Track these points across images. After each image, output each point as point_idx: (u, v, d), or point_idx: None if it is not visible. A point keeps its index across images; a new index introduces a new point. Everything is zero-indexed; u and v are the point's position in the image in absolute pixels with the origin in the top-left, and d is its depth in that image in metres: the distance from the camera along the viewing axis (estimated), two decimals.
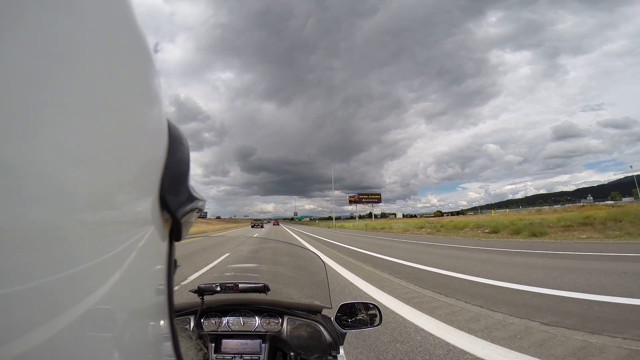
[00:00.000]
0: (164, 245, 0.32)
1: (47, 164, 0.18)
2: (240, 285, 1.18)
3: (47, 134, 0.18)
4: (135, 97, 0.28)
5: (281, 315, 1.17)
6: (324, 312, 1.25)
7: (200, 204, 0.36)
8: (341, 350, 1.14)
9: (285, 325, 1.14)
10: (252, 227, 54.39)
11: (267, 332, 1.12)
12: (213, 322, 1.14)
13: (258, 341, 1.10)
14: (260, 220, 70.78)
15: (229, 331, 1.13)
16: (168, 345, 0.35)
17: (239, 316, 1.17)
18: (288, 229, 38.74)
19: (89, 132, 0.21)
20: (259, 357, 1.07)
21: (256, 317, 1.16)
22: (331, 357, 1.06)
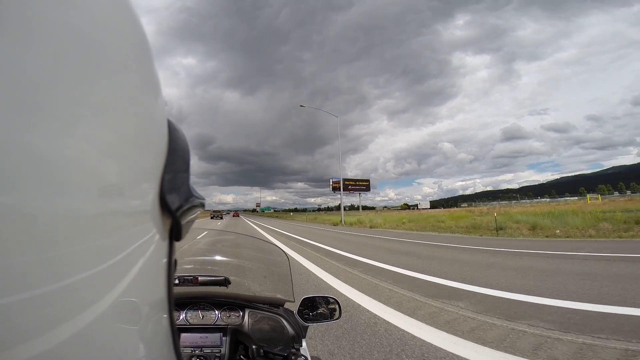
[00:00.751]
0: (164, 245, 0.31)
1: (45, 163, 0.18)
2: (199, 278, 1.14)
3: (45, 133, 0.18)
4: (136, 96, 0.28)
5: (242, 308, 1.16)
6: (287, 305, 1.25)
7: (200, 203, 0.36)
8: (304, 343, 1.15)
9: (246, 319, 1.13)
10: (212, 218, 56.35)
11: (227, 325, 1.11)
12: None
13: (218, 334, 1.09)
14: (219, 211, 71.61)
15: (187, 325, 1.10)
16: (168, 344, 0.34)
17: (197, 310, 1.14)
18: (254, 225, 29.46)
19: (88, 132, 0.21)
20: (220, 350, 1.06)
21: (216, 311, 1.14)
22: (294, 350, 1.07)
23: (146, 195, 0.28)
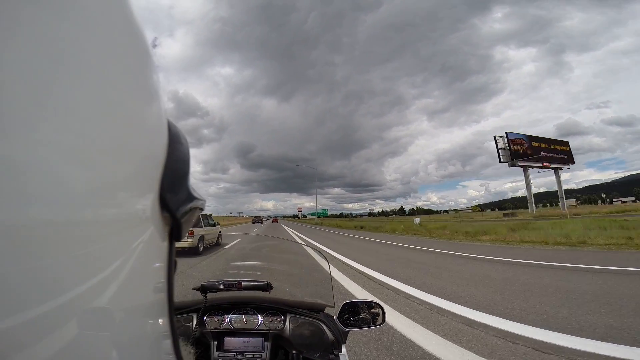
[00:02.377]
0: (164, 245, 0.31)
1: (46, 163, 0.18)
2: (243, 283, 1.17)
3: (46, 133, 0.18)
4: (135, 95, 0.28)
5: (284, 313, 1.17)
6: (327, 310, 1.24)
7: (200, 203, 0.36)
8: (343, 349, 1.13)
9: (287, 324, 1.14)
10: (253, 222, 62.96)
11: (269, 330, 1.12)
12: (215, 319, 1.13)
13: (260, 339, 1.10)
14: (260, 217, 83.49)
15: (231, 329, 1.12)
16: (168, 344, 0.34)
17: (241, 314, 1.16)
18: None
19: (88, 132, 0.21)
20: (261, 355, 1.07)
21: (259, 315, 1.15)
22: (333, 356, 1.06)
23: (146, 196, 0.28)
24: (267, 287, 1.21)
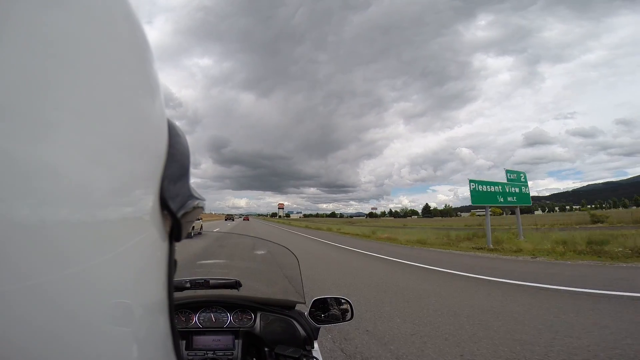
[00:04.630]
0: (164, 245, 0.31)
1: (46, 163, 0.18)
2: (211, 281, 1.16)
3: (46, 133, 0.18)
4: (138, 93, 0.28)
5: (254, 310, 1.16)
6: (298, 307, 1.25)
7: (200, 203, 0.36)
8: (315, 345, 1.15)
9: (258, 321, 1.13)
10: (226, 220, 69.68)
11: (239, 327, 1.11)
12: (183, 318, 1.12)
13: (231, 337, 1.09)
14: (231, 215, 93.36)
15: (199, 328, 1.11)
16: (168, 345, 0.34)
17: (210, 312, 1.15)
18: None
19: (89, 132, 0.21)
20: (232, 352, 1.06)
21: (228, 313, 1.14)
22: (305, 352, 1.06)
23: (146, 195, 0.28)
24: (236, 285, 1.20)
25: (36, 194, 0.17)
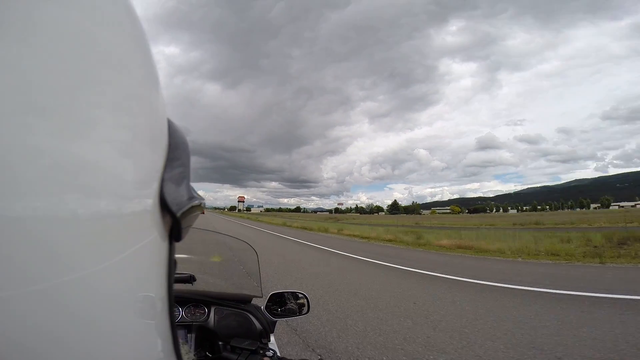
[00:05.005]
0: (164, 245, 0.31)
1: (47, 163, 0.18)
2: None
3: (46, 133, 0.18)
4: (137, 94, 0.28)
5: (207, 305, 1.15)
6: (255, 301, 1.25)
7: (200, 203, 0.36)
8: (272, 338, 1.16)
9: (212, 315, 1.12)
10: None
11: (192, 322, 1.09)
12: None
13: (183, 331, 1.07)
14: None
15: None
16: (168, 345, 0.34)
17: None
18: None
19: (89, 131, 0.21)
20: (185, 347, 1.03)
21: (179, 308, 1.12)
22: (262, 345, 1.07)
23: (146, 195, 0.28)
24: (190, 279, 1.18)
25: (30, 193, 0.17)
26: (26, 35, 0.17)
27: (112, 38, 0.24)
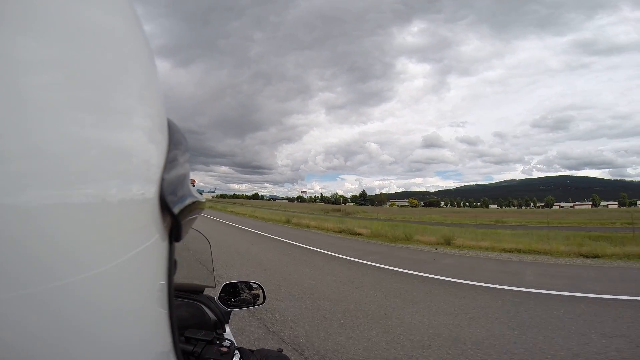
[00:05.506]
0: (164, 245, 0.31)
1: (47, 162, 0.18)
2: None
3: (46, 131, 0.18)
4: (138, 94, 0.28)
5: None
6: (208, 291, 1.21)
7: (200, 203, 0.35)
8: (227, 328, 1.14)
9: None
10: None
11: None
12: None
13: None
14: None
15: None
16: (167, 345, 0.34)
17: None
18: None
19: (90, 131, 0.21)
20: None
21: None
22: (217, 335, 1.03)
23: (146, 195, 0.28)
24: None
25: (30, 193, 0.17)
26: (27, 33, 0.17)
27: (113, 38, 0.24)
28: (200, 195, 0.36)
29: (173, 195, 0.30)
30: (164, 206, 0.30)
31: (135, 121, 0.27)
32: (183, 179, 0.33)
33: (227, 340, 0.96)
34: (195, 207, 0.34)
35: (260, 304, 1.27)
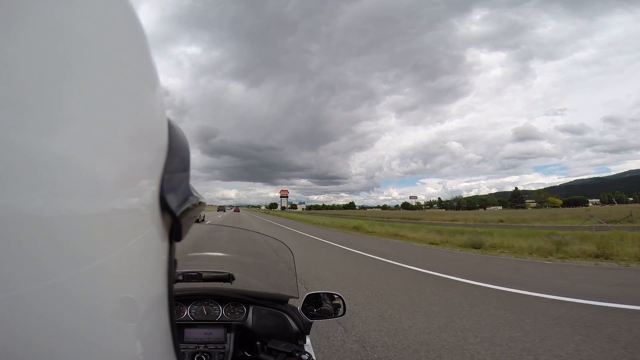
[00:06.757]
0: (164, 245, 0.31)
1: (42, 163, 0.18)
2: (203, 274, 1.15)
3: (39, 132, 0.18)
4: (137, 94, 0.27)
5: (246, 304, 1.16)
6: (291, 302, 1.25)
7: (200, 203, 0.35)
8: (307, 340, 1.15)
9: (250, 315, 1.13)
10: (218, 210, 79.67)
11: (232, 321, 1.11)
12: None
13: (222, 330, 1.09)
14: (223, 206, 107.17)
15: (191, 320, 1.10)
16: (167, 345, 0.34)
17: (201, 305, 1.14)
18: None
19: (84, 130, 0.21)
20: (224, 346, 1.06)
21: (220, 306, 1.14)
22: (298, 346, 1.06)
23: (146, 194, 0.27)
24: (229, 278, 1.20)
25: (48, 187, 0.17)
26: (8, 28, 0.17)
27: (105, 35, 0.23)
28: (200, 194, 0.36)
29: (173, 195, 0.30)
30: (164, 206, 0.29)
31: (134, 120, 0.26)
32: (183, 178, 0.33)
33: (306, 354, 0.98)
34: (195, 206, 0.34)
35: (341, 315, 1.26)
